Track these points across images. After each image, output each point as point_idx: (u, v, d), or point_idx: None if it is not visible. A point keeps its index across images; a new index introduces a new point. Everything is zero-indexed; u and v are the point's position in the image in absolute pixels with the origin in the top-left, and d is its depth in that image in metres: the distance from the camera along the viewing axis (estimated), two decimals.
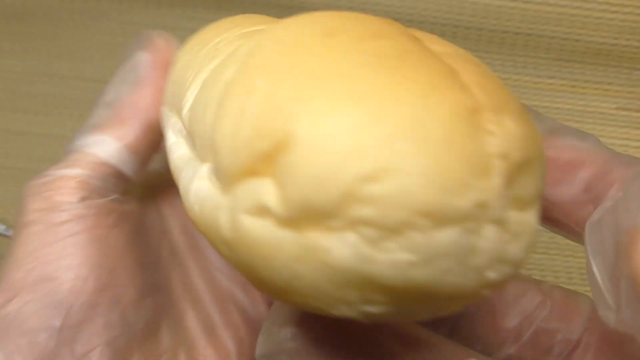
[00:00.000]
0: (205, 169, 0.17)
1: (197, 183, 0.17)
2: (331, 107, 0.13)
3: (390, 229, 0.13)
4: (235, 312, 0.22)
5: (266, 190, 0.14)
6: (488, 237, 0.13)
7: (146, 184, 0.23)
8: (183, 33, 0.39)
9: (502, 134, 0.14)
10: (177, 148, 0.18)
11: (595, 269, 0.16)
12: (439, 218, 0.13)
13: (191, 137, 0.17)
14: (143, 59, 0.21)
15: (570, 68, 0.39)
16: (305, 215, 0.13)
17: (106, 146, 0.20)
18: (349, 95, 0.13)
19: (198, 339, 0.21)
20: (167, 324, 0.20)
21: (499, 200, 0.13)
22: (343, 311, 0.14)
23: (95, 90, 0.38)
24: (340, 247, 0.13)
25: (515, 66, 0.39)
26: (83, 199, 0.19)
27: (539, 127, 0.18)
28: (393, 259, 0.13)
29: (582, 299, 0.20)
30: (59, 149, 0.37)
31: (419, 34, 0.17)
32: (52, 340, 0.17)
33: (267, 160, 0.14)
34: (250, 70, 0.15)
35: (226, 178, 0.16)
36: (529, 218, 0.15)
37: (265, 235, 0.14)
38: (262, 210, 0.14)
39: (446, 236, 0.13)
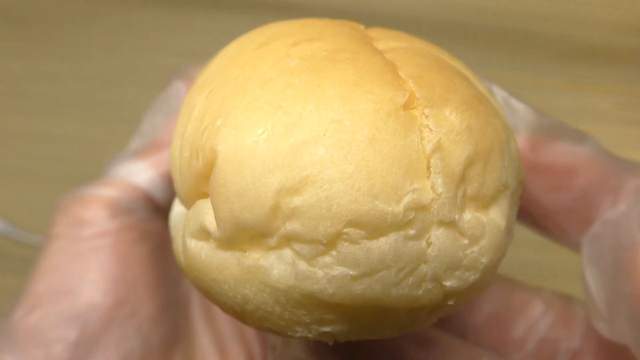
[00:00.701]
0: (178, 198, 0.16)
1: (173, 211, 0.16)
2: (249, 119, 0.13)
3: (322, 243, 0.12)
4: (248, 328, 0.22)
5: (206, 212, 0.13)
6: (436, 242, 0.12)
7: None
8: (182, 33, 0.40)
9: (440, 129, 0.12)
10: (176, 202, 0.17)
11: (590, 280, 0.16)
12: (372, 227, 0.12)
13: None
14: (178, 89, 0.21)
15: (568, 66, 0.39)
16: (240, 234, 0.13)
17: (141, 173, 0.20)
18: (268, 104, 0.13)
19: (210, 356, 0.21)
20: (182, 340, 0.20)
21: (442, 201, 0.12)
22: (301, 333, 0.13)
23: (95, 91, 0.39)
24: (278, 266, 0.12)
25: (513, 64, 0.39)
26: (109, 216, 0.19)
27: (534, 123, 0.18)
28: (331, 274, 0.12)
29: (579, 305, 0.20)
30: (58, 149, 0.38)
31: (376, 32, 0.16)
32: (66, 353, 0.17)
33: (206, 180, 0.13)
34: (194, 88, 0.15)
35: (182, 201, 0.15)
36: (492, 217, 0.13)
37: (209, 258, 0.13)
38: (203, 233, 0.13)
39: (383, 245, 0.12)
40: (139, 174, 0.20)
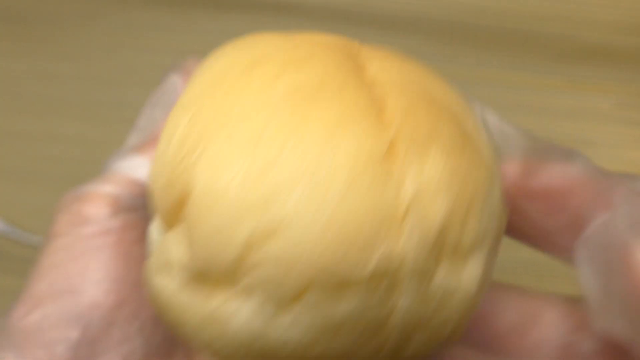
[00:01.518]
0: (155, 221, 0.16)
1: (152, 226, 0.16)
2: (226, 155, 0.12)
3: (287, 295, 0.11)
4: None
5: (174, 248, 0.13)
6: (404, 304, 0.12)
7: None
8: (181, 33, 0.40)
9: (420, 178, 0.12)
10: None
11: (584, 281, 0.17)
12: (340, 282, 0.11)
13: None
14: (175, 83, 0.21)
15: (568, 66, 0.39)
16: (205, 278, 0.12)
17: (141, 168, 0.20)
18: (247, 141, 0.12)
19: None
20: (181, 341, 0.20)
21: (414, 259, 0.12)
22: None
23: (95, 91, 0.39)
24: (240, 314, 0.12)
25: (513, 64, 0.39)
26: (111, 214, 0.19)
27: (525, 147, 0.18)
28: (293, 328, 0.12)
29: (584, 305, 0.20)
30: (58, 149, 0.38)
31: (369, 53, 0.15)
32: (69, 353, 0.17)
33: (180, 210, 0.13)
34: (179, 105, 0.15)
35: (159, 224, 0.15)
36: (467, 274, 0.13)
37: (173, 298, 0.13)
38: (169, 270, 0.13)
39: (349, 303, 0.11)
40: (139, 168, 0.20)
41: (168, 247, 0.13)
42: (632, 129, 0.39)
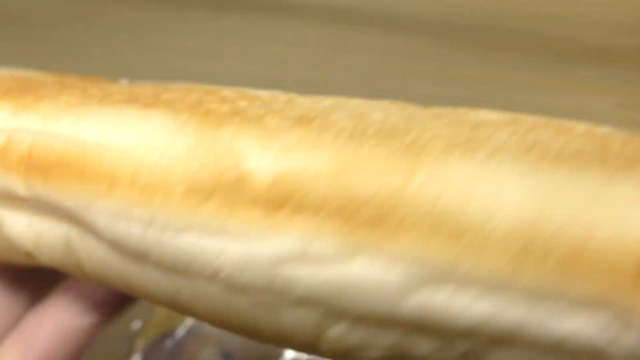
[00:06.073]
0: None
1: None
2: None
3: None
4: None
5: None
6: None
7: None
8: (181, 33, 0.40)
9: None
10: None
11: None
12: None
13: None
14: None
15: (568, 66, 0.39)
16: None
17: None
18: None
19: None
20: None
21: None
22: None
23: None
24: None
25: (513, 64, 0.39)
26: None
27: None
28: None
29: None
30: None
31: None
32: None
33: None
34: None
35: None
36: None
37: None
38: None
39: None
40: None
41: None
42: (632, 129, 0.39)
